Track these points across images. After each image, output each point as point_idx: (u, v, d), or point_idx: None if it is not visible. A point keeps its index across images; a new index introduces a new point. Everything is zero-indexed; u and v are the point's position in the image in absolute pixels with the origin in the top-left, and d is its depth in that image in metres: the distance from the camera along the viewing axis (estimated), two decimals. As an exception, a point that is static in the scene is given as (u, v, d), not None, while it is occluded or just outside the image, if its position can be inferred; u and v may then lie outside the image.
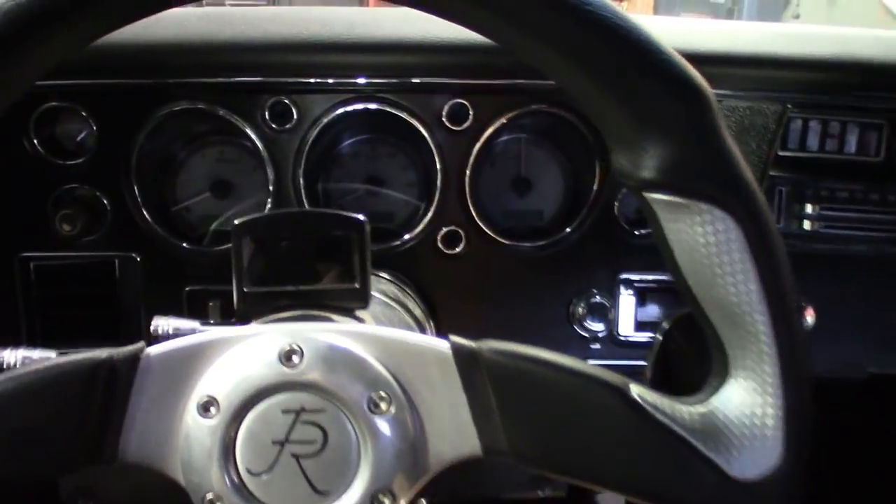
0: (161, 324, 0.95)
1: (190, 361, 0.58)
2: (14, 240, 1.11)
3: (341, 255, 0.64)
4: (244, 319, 0.66)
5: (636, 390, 0.53)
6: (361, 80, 1.05)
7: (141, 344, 0.58)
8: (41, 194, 1.09)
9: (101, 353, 0.58)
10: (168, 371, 0.58)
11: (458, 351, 0.57)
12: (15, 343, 1.12)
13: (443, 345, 0.58)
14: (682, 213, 0.52)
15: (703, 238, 0.51)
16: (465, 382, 0.57)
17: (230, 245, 1.10)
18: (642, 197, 0.54)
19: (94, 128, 1.09)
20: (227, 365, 0.58)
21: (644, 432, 0.52)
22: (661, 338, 0.63)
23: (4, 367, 0.82)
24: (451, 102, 1.08)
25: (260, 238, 0.63)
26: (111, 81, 1.03)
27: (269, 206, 1.11)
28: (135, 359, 0.58)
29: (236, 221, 0.64)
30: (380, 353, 0.58)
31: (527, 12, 0.49)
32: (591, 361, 1.17)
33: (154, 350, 0.58)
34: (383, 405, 0.56)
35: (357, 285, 0.64)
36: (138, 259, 1.13)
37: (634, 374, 1.20)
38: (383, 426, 0.56)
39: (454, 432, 0.57)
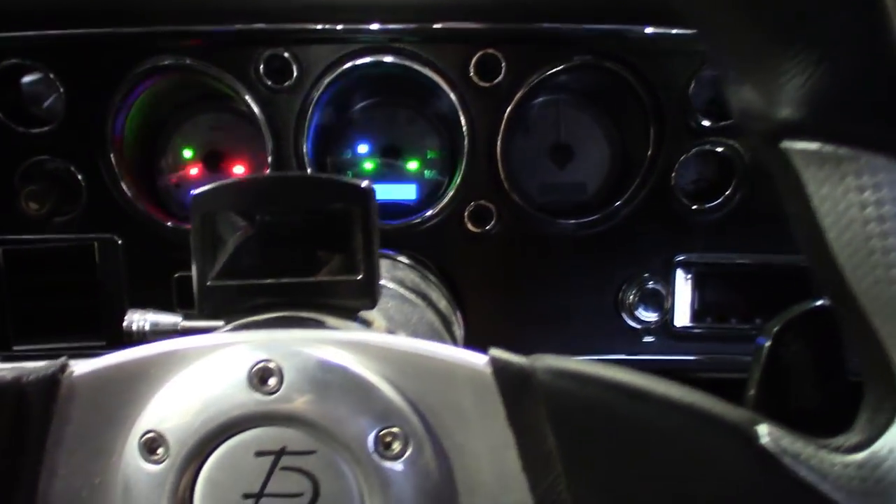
0: (136, 318, 0.79)
1: (129, 384, 0.43)
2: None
3: (340, 237, 0.47)
4: (211, 321, 0.50)
5: (766, 432, 0.36)
6: (374, 27, 0.88)
7: (61, 361, 0.42)
8: (5, 168, 0.94)
9: (7, 372, 0.42)
10: (99, 398, 0.42)
11: (501, 370, 0.41)
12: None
13: (480, 361, 0.41)
14: (842, 170, 0.35)
15: (874, 208, 0.34)
16: (510, 414, 0.40)
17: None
18: (776, 147, 0.37)
19: (62, 89, 0.93)
20: (179, 389, 0.42)
21: (778, 494, 0.35)
22: (768, 343, 0.48)
23: None
24: (479, 54, 0.92)
25: (229, 213, 0.47)
26: (77, 32, 0.88)
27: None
28: (53, 381, 0.42)
29: (195, 191, 0.48)
30: (392, 373, 0.42)
31: None
32: (643, 357, 1.05)
33: (79, 368, 0.43)
34: (396, 445, 0.40)
35: (360, 276, 0.47)
36: (119, 241, 0.98)
37: (690, 371, 1.04)
38: (396, 474, 0.40)
39: (495, 483, 0.41)
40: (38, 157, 0.95)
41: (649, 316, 1.00)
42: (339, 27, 0.88)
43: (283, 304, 0.48)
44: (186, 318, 0.80)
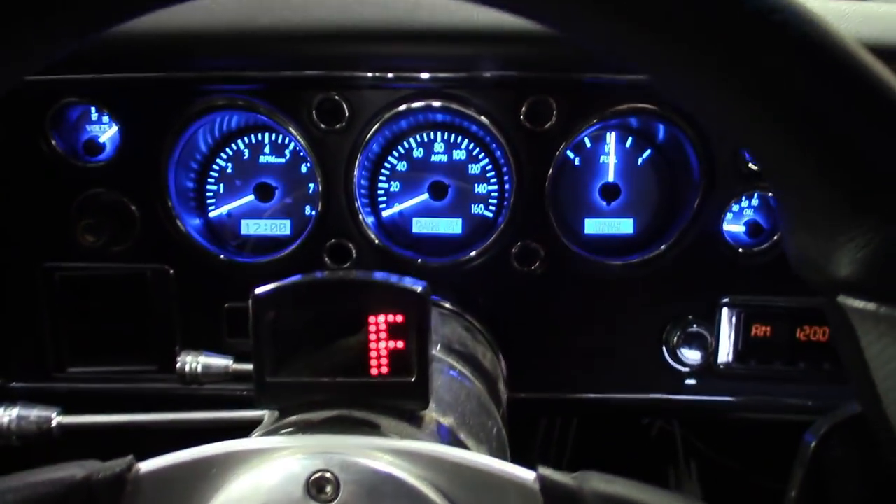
0: (188, 360, 0.82)
1: (192, 484, 0.44)
2: (37, 249, 0.99)
3: (395, 337, 0.48)
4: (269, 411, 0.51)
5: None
6: (425, 76, 0.89)
7: (128, 460, 0.44)
8: (63, 200, 0.97)
9: (77, 471, 0.44)
10: (163, 497, 0.44)
11: (549, 489, 0.42)
12: (38, 360, 1.02)
13: (528, 477, 0.42)
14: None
15: (928, 372, 0.35)
16: None
17: (276, 256, 0.99)
18: (834, 303, 0.37)
19: (117, 126, 0.95)
20: (239, 492, 0.43)
21: None
22: (813, 444, 0.47)
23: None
24: (531, 99, 0.92)
25: (288, 312, 0.48)
26: (131, 76, 0.89)
27: (317, 214, 0.96)
28: (120, 480, 0.44)
29: (257, 291, 0.49)
30: (444, 483, 0.43)
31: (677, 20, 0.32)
32: (686, 397, 1.05)
33: (145, 467, 0.44)
34: (446, 557, 0.41)
35: (413, 378, 0.48)
36: (171, 271, 1.00)
37: (733, 412, 1.04)
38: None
39: None
40: (94, 189, 0.96)
41: (693, 357, 0.99)
42: (392, 76, 0.89)
43: (337, 402, 0.49)
44: (237, 360, 0.82)
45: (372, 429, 0.48)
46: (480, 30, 0.83)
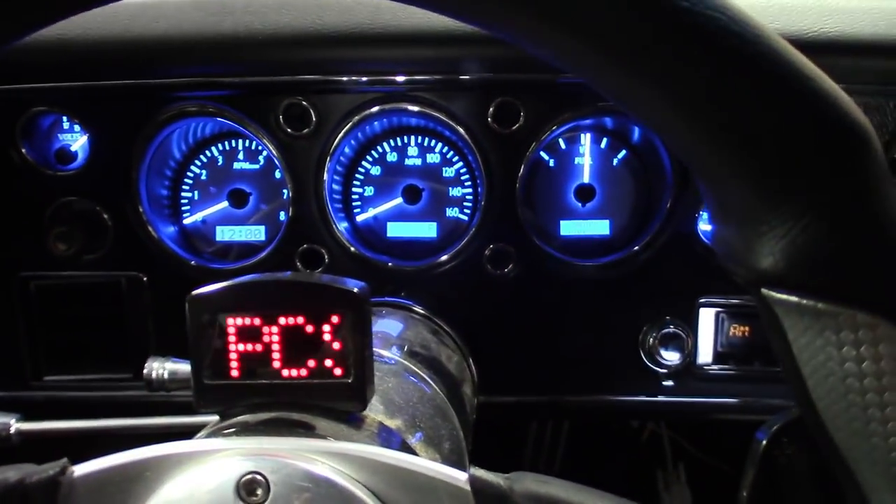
0: (155, 366, 0.81)
1: (126, 486, 0.44)
2: (12, 259, 0.99)
3: (332, 338, 0.48)
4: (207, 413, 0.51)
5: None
6: (390, 79, 0.88)
7: (61, 463, 0.44)
8: (36, 209, 0.97)
9: (11, 473, 0.43)
10: (97, 499, 0.44)
11: (480, 490, 0.41)
12: (15, 369, 1.02)
13: (460, 478, 0.42)
14: (822, 323, 0.34)
15: (853, 364, 0.34)
16: None
17: (248, 262, 0.99)
18: (759, 295, 0.36)
19: (87, 135, 0.95)
20: (171, 496, 0.43)
21: None
22: (764, 444, 0.47)
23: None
24: (497, 101, 0.91)
25: (226, 315, 0.48)
26: (99, 84, 0.89)
27: (288, 220, 0.96)
28: (54, 483, 0.43)
29: (193, 293, 0.49)
30: (376, 484, 0.42)
31: (592, 16, 0.32)
32: (665, 399, 1.04)
33: (80, 470, 0.44)
34: (375, 560, 0.41)
35: (351, 380, 0.48)
36: (144, 278, 0.99)
37: (712, 413, 1.03)
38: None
39: None
40: (66, 198, 0.97)
41: (671, 358, 0.98)
42: (359, 79, 0.88)
43: (276, 405, 0.49)
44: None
45: (307, 430, 0.47)
46: (443, 32, 0.83)
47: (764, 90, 0.33)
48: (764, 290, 0.36)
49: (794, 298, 0.35)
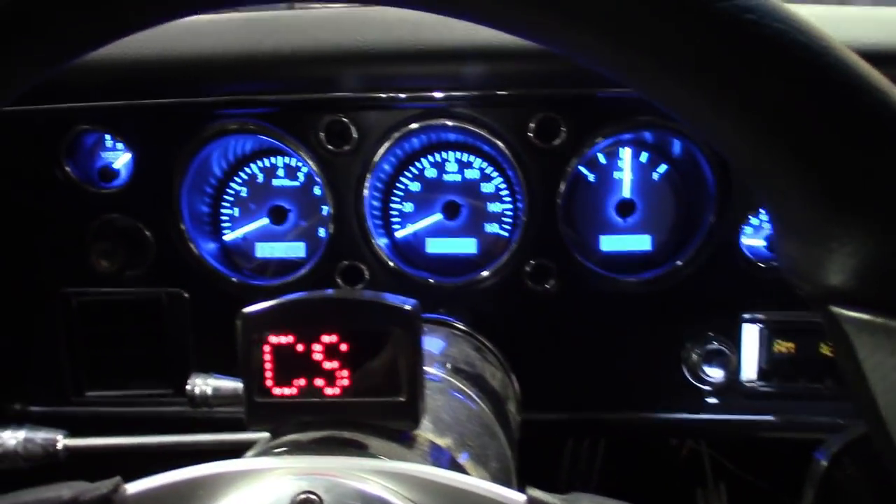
0: (198, 383, 0.81)
1: (178, 506, 0.43)
2: (54, 275, 1.00)
3: (385, 355, 0.48)
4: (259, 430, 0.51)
5: None
6: (431, 95, 0.88)
7: (115, 481, 0.44)
8: (79, 226, 0.98)
9: (65, 491, 0.43)
10: (150, 518, 0.43)
11: (536, 512, 0.40)
12: (56, 385, 1.03)
13: (518, 499, 0.41)
14: (894, 342, 0.33)
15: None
16: None
17: (289, 279, 0.99)
18: (827, 312, 0.35)
19: (130, 152, 0.96)
20: (224, 515, 0.42)
21: None
22: (825, 463, 0.46)
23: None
24: (538, 116, 0.91)
25: (277, 332, 0.48)
26: (143, 102, 0.90)
27: (328, 237, 0.96)
28: (106, 502, 0.43)
29: (245, 310, 0.49)
30: (429, 504, 0.42)
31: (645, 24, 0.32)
32: (708, 416, 1.02)
33: (132, 488, 0.44)
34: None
35: (404, 398, 0.47)
36: (186, 295, 1.00)
37: (757, 431, 1.01)
38: None
39: None
40: (109, 215, 0.97)
41: (714, 375, 0.97)
42: (400, 95, 0.88)
43: (327, 423, 0.49)
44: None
45: (360, 449, 0.47)
46: (484, 48, 0.83)
47: (834, 104, 0.32)
48: (832, 308, 0.35)
49: (865, 316, 0.34)
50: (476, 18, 0.36)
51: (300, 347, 0.48)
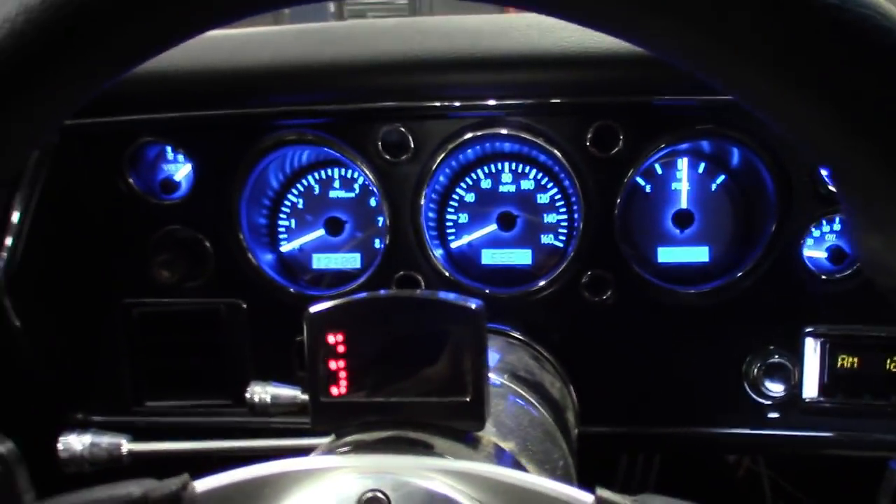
0: (257, 390, 0.82)
1: (245, 503, 0.44)
2: (116, 286, 1.02)
3: (450, 355, 0.47)
4: (323, 434, 0.51)
5: None
6: (489, 104, 0.89)
7: (183, 478, 0.44)
8: (140, 237, 1.00)
9: (134, 488, 0.44)
10: (218, 515, 0.44)
11: (606, 512, 0.40)
12: (117, 394, 1.04)
13: (587, 500, 0.40)
14: None
15: None
16: None
17: (345, 289, 1.00)
18: None
19: (190, 164, 0.98)
20: (292, 512, 0.42)
21: None
22: None
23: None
24: (596, 125, 0.90)
25: (342, 332, 0.48)
26: (203, 114, 0.91)
27: (385, 247, 0.96)
28: (175, 498, 0.43)
29: (311, 309, 0.49)
30: (497, 504, 0.41)
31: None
32: (769, 432, 1.00)
33: (201, 486, 0.44)
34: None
35: (469, 398, 0.47)
36: (244, 305, 1.01)
37: (820, 448, 0.99)
38: None
39: None
40: (170, 226, 0.99)
41: (775, 390, 0.95)
42: (457, 104, 0.89)
43: (391, 423, 0.49)
44: (305, 390, 0.82)
45: (426, 449, 0.47)
46: (542, 56, 0.83)
47: None
48: None
49: None
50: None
51: (365, 346, 0.48)
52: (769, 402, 0.96)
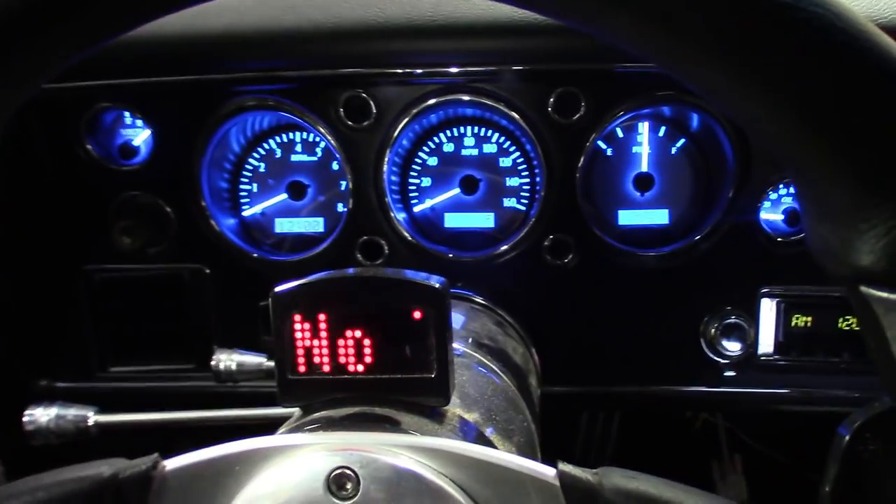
0: (223, 358, 0.83)
1: (216, 480, 0.44)
2: (77, 252, 1.01)
3: (415, 333, 0.48)
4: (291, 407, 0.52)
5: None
6: (451, 70, 0.88)
7: (154, 457, 0.44)
8: (101, 203, 0.98)
9: (104, 468, 0.44)
10: (188, 493, 0.44)
11: (569, 485, 0.41)
12: (81, 361, 1.04)
13: (549, 473, 0.42)
14: None
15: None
16: None
17: (308, 254, 1.00)
18: (856, 292, 0.36)
19: (150, 130, 0.96)
20: (262, 490, 0.43)
21: None
22: (847, 438, 0.46)
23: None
24: (558, 91, 0.91)
25: (308, 311, 0.48)
26: (161, 79, 0.90)
27: (348, 211, 0.97)
28: (146, 478, 0.44)
29: (277, 289, 0.49)
30: (463, 479, 0.43)
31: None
32: (726, 389, 1.03)
33: (171, 465, 0.45)
34: (465, 555, 0.41)
35: (434, 375, 0.48)
36: (207, 271, 1.01)
37: (775, 404, 1.02)
38: (467, 586, 0.41)
39: None
40: (130, 192, 0.98)
41: (732, 348, 0.98)
42: (419, 71, 0.88)
43: (358, 399, 0.50)
44: (271, 357, 0.82)
45: (393, 425, 0.48)
46: (504, 23, 0.83)
47: (869, 86, 0.32)
48: (862, 288, 0.35)
49: (894, 296, 0.34)
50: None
51: (330, 325, 0.49)
52: (726, 361, 0.99)
